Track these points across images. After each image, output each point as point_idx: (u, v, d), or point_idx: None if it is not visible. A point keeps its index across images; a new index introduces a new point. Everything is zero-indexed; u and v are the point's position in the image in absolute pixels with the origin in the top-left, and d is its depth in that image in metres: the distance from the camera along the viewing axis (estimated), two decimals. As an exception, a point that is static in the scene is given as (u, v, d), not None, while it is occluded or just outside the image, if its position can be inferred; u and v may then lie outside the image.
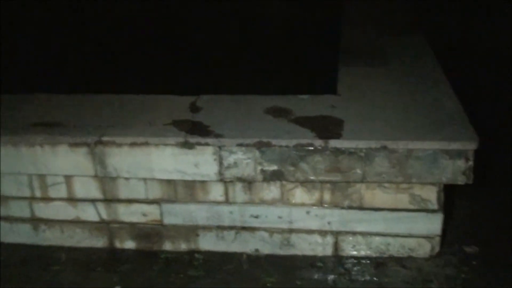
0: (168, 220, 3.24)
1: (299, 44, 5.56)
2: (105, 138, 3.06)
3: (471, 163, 2.92)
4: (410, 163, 2.95)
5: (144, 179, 3.15)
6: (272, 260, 3.21)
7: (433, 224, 3.13)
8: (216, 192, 3.14)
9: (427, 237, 3.16)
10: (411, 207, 3.09)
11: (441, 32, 6.02)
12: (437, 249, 3.19)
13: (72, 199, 3.27)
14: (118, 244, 3.34)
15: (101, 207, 3.26)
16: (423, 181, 3.01)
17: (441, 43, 4.83)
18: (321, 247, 3.21)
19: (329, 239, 3.19)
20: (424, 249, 3.18)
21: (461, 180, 2.97)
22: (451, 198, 3.51)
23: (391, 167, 2.96)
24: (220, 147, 2.98)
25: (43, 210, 3.32)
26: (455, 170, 2.94)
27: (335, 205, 3.12)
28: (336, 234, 3.18)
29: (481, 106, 4.47)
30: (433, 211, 3.09)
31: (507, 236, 3.38)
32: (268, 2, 6.83)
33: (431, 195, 3.06)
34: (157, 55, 5.58)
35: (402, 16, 5.34)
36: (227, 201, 3.16)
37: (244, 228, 3.21)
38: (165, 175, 3.09)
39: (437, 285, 3.01)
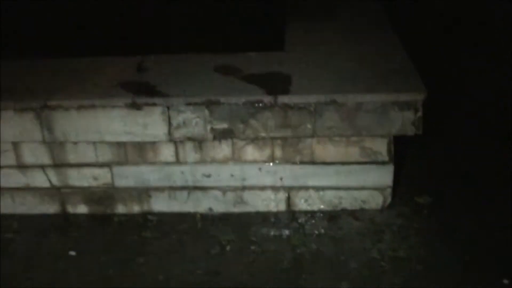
0: (119, 182, 3.21)
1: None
2: (51, 102, 3.00)
3: (420, 114, 2.95)
4: (359, 116, 2.96)
5: (93, 143, 3.11)
6: (226, 218, 3.23)
7: (384, 175, 3.16)
8: (167, 152, 3.12)
9: (379, 189, 3.19)
10: (362, 159, 3.11)
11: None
12: (389, 200, 3.23)
13: (21, 166, 3.21)
14: (70, 209, 3.31)
15: (51, 172, 3.21)
16: (373, 134, 3.03)
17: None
18: (274, 203, 3.22)
19: (282, 195, 3.21)
20: (376, 200, 3.21)
21: (410, 131, 2.99)
22: (402, 149, 3.55)
23: (341, 121, 2.97)
24: (168, 107, 2.95)
25: (-8, 178, 3.27)
26: (405, 122, 2.96)
27: (286, 160, 3.13)
28: (289, 189, 3.19)
29: (429, 57, 4.51)
30: (383, 163, 3.12)
31: (457, 185, 3.44)
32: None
33: (381, 147, 3.08)
34: (103, 15, 5.46)
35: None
36: (178, 161, 3.14)
37: (196, 188, 3.20)
38: (114, 137, 3.05)
39: (389, 236, 3.05)
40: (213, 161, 3.14)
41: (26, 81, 3.24)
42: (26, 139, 3.11)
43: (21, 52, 4.00)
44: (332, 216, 3.20)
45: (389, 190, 3.20)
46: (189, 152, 3.11)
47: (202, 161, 3.14)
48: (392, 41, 3.56)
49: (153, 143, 3.09)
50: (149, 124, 2.99)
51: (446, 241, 3.00)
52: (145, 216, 3.26)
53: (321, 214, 3.21)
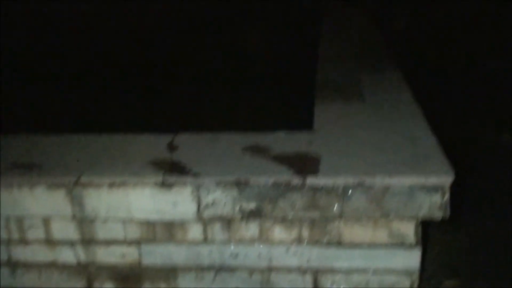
0: (147, 260, 3.21)
1: (276, 79, 5.61)
2: (83, 179, 3.04)
3: (447, 197, 2.95)
4: (387, 198, 2.96)
5: (123, 220, 3.13)
6: (253, 299, 3.21)
7: (412, 259, 3.13)
8: (195, 231, 3.13)
9: (406, 272, 3.15)
10: (389, 242, 3.10)
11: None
12: (416, 283, 3.18)
13: (50, 242, 3.24)
14: (97, 285, 3.31)
15: (79, 249, 3.23)
16: (401, 216, 3.02)
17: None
18: (301, 285, 3.20)
19: (309, 277, 3.18)
20: (403, 284, 3.17)
21: (438, 214, 2.98)
22: (427, 231, 3.54)
23: (369, 203, 2.98)
24: (198, 186, 2.98)
25: (21, 253, 3.28)
26: (432, 205, 2.96)
27: (314, 242, 3.12)
28: (316, 271, 3.17)
29: (455, 139, 4.53)
30: (411, 246, 3.10)
31: (484, 268, 3.41)
32: (244, 38, 6.90)
33: (408, 230, 3.07)
34: (133, 90, 5.59)
35: (379, 49, 5.41)
36: (206, 241, 3.14)
37: (223, 268, 3.19)
38: (144, 215, 3.08)
39: (417, 320, 3.02)
40: (241, 241, 3.14)
41: (58, 156, 3.30)
42: (56, 215, 3.15)
43: (52, 126, 4.08)
44: (359, 299, 3.17)
45: (416, 274, 3.16)
46: (217, 232, 3.12)
47: (229, 241, 3.14)
48: (419, 122, 3.59)
49: (182, 222, 3.10)
50: (179, 203, 3.02)
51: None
52: (171, 294, 3.25)
53: (348, 297, 3.19)
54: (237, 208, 3.01)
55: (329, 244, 3.12)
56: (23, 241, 3.25)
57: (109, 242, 3.20)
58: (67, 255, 3.25)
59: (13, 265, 3.31)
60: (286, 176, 2.97)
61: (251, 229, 3.11)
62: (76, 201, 3.08)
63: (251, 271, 3.18)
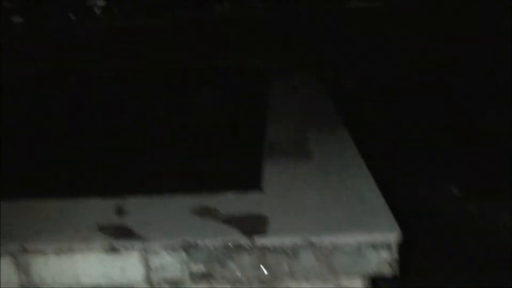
0: (95, 328, 3.16)
1: (223, 139, 5.65)
2: (29, 247, 3.00)
3: (395, 254, 2.99)
4: (336, 256, 2.99)
5: (71, 287, 3.09)
6: None
7: (363, 317, 3.15)
8: (144, 296, 3.10)
9: (357, 329, 3.17)
10: (339, 301, 3.12)
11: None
12: None
13: (-5, 312, 3.17)
14: None
15: (26, 318, 3.17)
16: (350, 274, 3.04)
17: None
18: None
19: None
20: None
21: (387, 271, 3.01)
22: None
23: (318, 262, 3.00)
24: (146, 250, 2.97)
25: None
26: (381, 262, 2.99)
27: (264, 302, 3.12)
28: (266, 331, 3.16)
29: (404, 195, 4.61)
30: (361, 303, 3.12)
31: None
32: (190, 99, 6.97)
33: (358, 287, 3.09)
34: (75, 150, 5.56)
35: (326, 108, 5.51)
36: (156, 305, 3.12)
37: (174, 333, 3.16)
38: (92, 281, 3.03)
39: None
40: (191, 304, 3.12)
41: (3, 224, 3.25)
42: (3, 284, 3.08)
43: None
44: None
45: (367, 330, 3.18)
46: (167, 295, 3.09)
47: (179, 304, 3.12)
48: (365, 181, 3.65)
49: (131, 287, 3.07)
50: (127, 267, 2.99)
51: None
52: None
53: None
54: (186, 271, 3.00)
55: (279, 304, 3.12)
56: (-33, 312, 3.18)
57: (56, 311, 3.14)
58: (14, 325, 3.18)
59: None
60: (234, 237, 2.98)
61: (201, 291, 3.10)
62: (22, 269, 3.03)
63: (202, 335, 3.16)
